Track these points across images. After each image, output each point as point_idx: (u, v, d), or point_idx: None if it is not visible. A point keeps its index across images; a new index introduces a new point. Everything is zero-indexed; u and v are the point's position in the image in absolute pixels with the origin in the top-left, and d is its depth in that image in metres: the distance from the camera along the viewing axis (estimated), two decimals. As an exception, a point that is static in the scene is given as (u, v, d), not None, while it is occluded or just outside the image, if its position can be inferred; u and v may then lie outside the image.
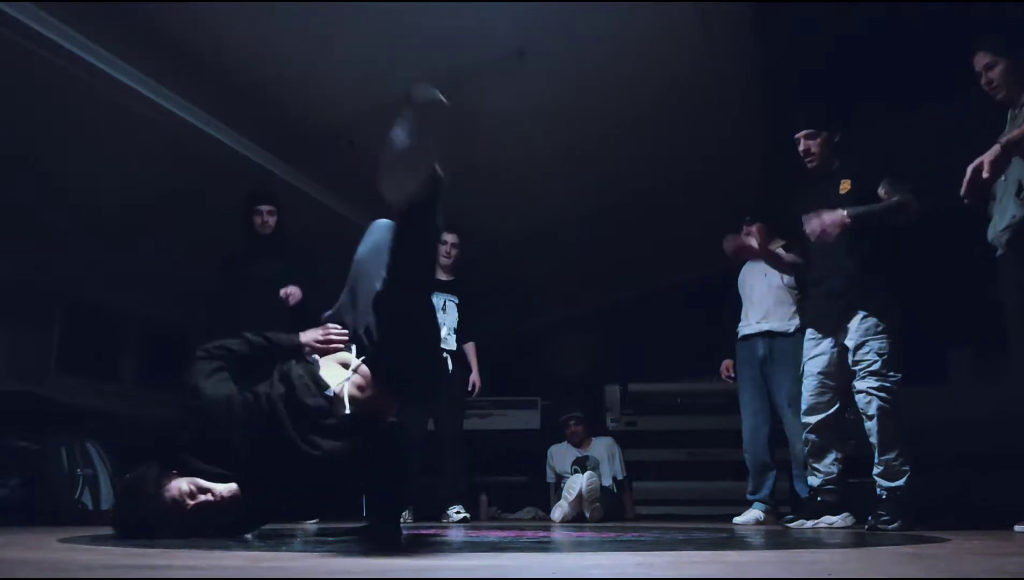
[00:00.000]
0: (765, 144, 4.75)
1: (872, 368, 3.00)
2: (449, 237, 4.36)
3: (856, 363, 3.05)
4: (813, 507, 3.30)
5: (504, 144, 4.28)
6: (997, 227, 2.75)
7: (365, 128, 3.89)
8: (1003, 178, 2.74)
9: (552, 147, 4.40)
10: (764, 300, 4.03)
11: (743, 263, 4.20)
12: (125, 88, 3.09)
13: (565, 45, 3.58)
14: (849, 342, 3.08)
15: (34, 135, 3.28)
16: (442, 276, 4.41)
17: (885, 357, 2.99)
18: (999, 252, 2.77)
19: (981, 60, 2.77)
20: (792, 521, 3.38)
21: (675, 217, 5.36)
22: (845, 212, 2.95)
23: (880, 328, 3.02)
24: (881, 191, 3.06)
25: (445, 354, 4.22)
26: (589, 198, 5.03)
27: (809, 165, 3.29)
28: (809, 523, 3.25)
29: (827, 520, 3.20)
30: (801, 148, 3.29)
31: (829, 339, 3.20)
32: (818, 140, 3.26)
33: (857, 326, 3.05)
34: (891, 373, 2.99)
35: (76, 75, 2.94)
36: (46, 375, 4.28)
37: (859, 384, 3.03)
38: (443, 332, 4.25)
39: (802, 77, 4.57)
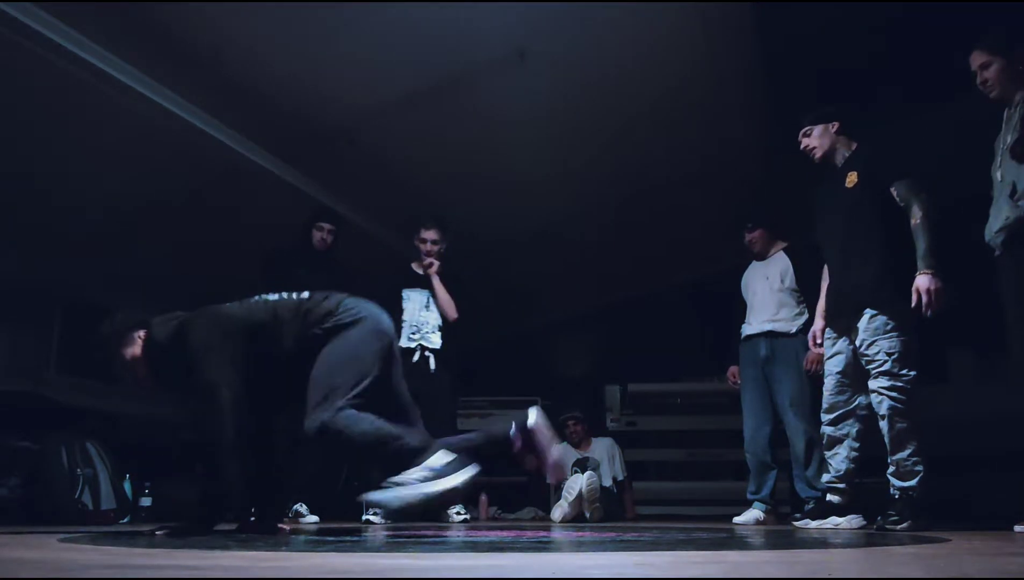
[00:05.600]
0: (765, 144, 4.76)
1: (883, 368, 2.94)
2: (428, 234, 4.14)
3: (868, 363, 3.01)
4: (820, 507, 3.29)
5: (504, 144, 4.28)
6: (992, 229, 2.74)
7: (365, 128, 3.90)
8: (999, 179, 2.74)
9: (552, 147, 4.39)
10: (767, 303, 4.03)
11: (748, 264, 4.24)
12: (125, 88, 3.08)
13: (565, 45, 3.58)
14: (858, 342, 3.05)
15: (34, 135, 3.28)
16: (421, 271, 4.26)
17: (895, 356, 2.93)
18: (996, 253, 2.77)
19: (977, 59, 2.77)
20: (800, 520, 3.38)
21: (675, 217, 5.36)
22: (931, 273, 2.83)
23: (889, 326, 2.96)
24: (895, 193, 2.98)
25: (428, 353, 4.08)
26: (589, 198, 5.03)
27: (815, 159, 3.27)
28: (814, 523, 3.24)
29: (834, 521, 3.18)
30: (801, 147, 3.31)
31: (844, 338, 3.16)
32: (813, 134, 3.27)
33: (866, 325, 3.01)
34: (903, 371, 2.92)
35: (76, 75, 2.94)
36: (46, 375, 4.28)
37: (871, 384, 2.99)
38: (426, 329, 4.13)
39: (802, 77, 4.57)
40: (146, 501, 3.97)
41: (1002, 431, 3.19)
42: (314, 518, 3.89)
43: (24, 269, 3.95)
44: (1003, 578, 1.16)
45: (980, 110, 2.88)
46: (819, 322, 3.42)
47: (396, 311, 4.11)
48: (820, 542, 2.12)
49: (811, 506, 3.50)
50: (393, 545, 1.90)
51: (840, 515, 3.18)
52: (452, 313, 4.17)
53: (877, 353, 2.97)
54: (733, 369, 4.25)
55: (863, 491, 3.25)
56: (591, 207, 5.11)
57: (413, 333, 4.12)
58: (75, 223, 3.80)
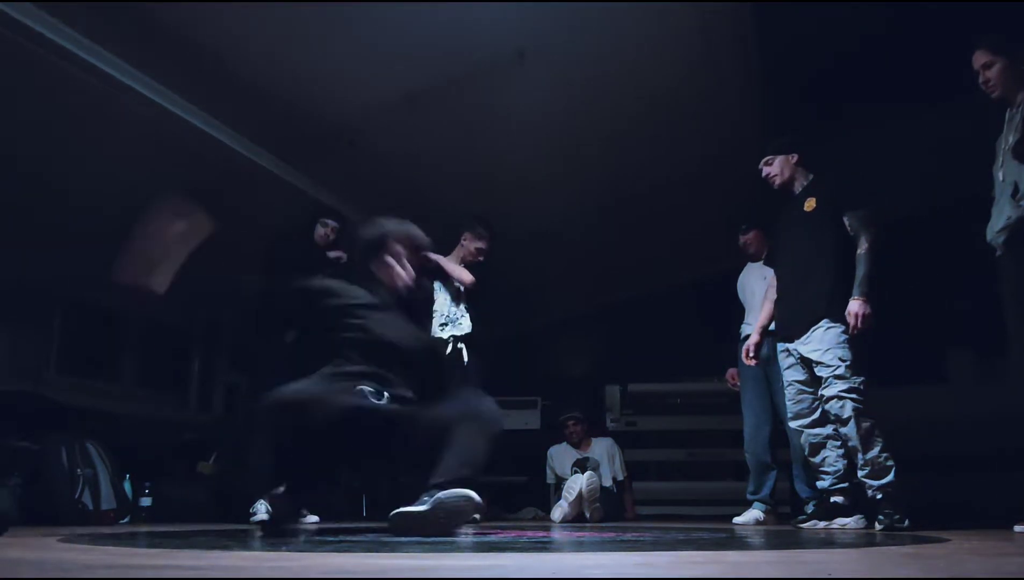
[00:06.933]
0: (764, 144, 4.75)
1: (838, 372, 3.06)
2: (485, 247, 4.14)
3: (822, 370, 3.11)
4: (826, 508, 3.30)
5: (504, 144, 4.28)
6: (994, 228, 2.76)
7: (365, 128, 3.90)
8: (1001, 179, 2.74)
9: (552, 147, 4.39)
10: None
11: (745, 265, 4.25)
12: (125, 87, 3.09)
13: (565, 45, 3.58)
14: (813, 354, 3.14)
15: (34, 135, 3.28)
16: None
17: (847, 362, 3.06)
18: (997, 253, 2.77)
19: (979, 59, 2.78)
20: (804, 522, 3.38)
21: (675, 217, 5.36)
22: (862, 299, 3.03)
23: (843, 339, 3.09)
24: (847, 222, 3.17)
25: (460, 344, 4.07)
26: (589, 198, 5.03)
27: (774, 187, 3.46)
28: (822, 524, 3.26)
29: (840, 521, 3.21)
30: (762, 174, 3.49)
31: (797, 349, 3.26)
32: (774, 163, 3.44)
33: (821, 336, 3.12)
34: (855, 377, 3.05)
35: (76, 75, 2.94)
36: (46, 375, 4.28)
37: (828, 391, 3.08)
38: (455, 315, 4.12)
39: (801, 78, 4.57)
40: (146, 501, 3.96)
41: (1002, 431, 3.19)
42: (314, 518, 3.89)
43: (24, 269, 3.95)
44: (1003, 578, 1.16)
45: (980, 110, 2.88)
46: (755, 337, 3.69)
47: (430, 302, 4.11)
48: (820, 542, 2.12)
49: (812, 507, 3.50)
50: (393, 545, 1.90)
51: (846, 515, 3.20)
52: (467, 277, 4.11)
53: (832, 359, 3.09)
54: (732, 371, 4.25)
55: (861, 492, 3.26)
56: (591, 207, 5.11)
57: (444, 323, 4.11)
58: (75, 223, 3.80)
